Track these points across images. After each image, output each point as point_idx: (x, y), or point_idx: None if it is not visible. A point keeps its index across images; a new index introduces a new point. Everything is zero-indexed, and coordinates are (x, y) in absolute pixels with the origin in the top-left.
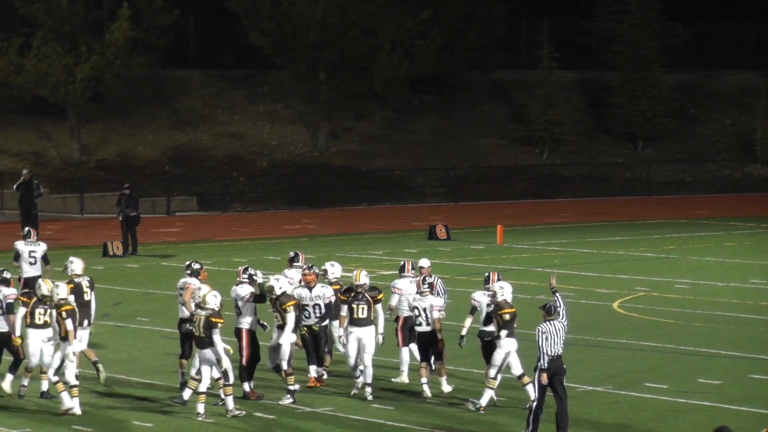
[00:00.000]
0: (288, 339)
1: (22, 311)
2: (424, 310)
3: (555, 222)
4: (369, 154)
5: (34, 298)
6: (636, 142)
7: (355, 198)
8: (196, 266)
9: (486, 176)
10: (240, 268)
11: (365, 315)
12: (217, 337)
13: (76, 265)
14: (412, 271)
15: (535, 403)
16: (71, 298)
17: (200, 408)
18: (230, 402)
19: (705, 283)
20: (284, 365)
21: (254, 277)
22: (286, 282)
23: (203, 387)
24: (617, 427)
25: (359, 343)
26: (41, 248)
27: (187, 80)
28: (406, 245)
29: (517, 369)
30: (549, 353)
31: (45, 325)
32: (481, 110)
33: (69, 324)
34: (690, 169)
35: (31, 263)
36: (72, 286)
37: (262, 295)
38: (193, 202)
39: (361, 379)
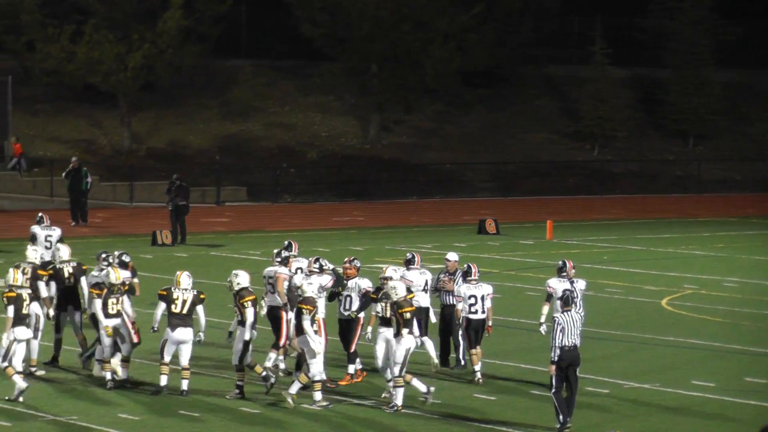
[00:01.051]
0: (246, 335)
1: (98, 303)
2: (482, 298)
3: (605, 218)
4: (419, 147)
5: (105, 289)
6: (687, 139)
7: (405, 191)
8: (286, 254)
9: (536, 171)
10: (311, 258)
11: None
12: (306, 324)
13: (63, 251)
14: (421, 263)
15: (553, 390)
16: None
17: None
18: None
19: (754, 281)
20: (235, 360)
21: (324, 267)
22: (245, 277)
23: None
24: (664, 424)
25: (387, 344)
26: (56, 233)
27: (238, 70)
28: (456, 239)
29: (396, 369)
30: (566, 344)
31: (118, 314)
32: (532, 105)
33: (10, 311)
34: (740, 167)
35: (46, 247)
36: (50, 272)
37: (339, 279)
38: (243, 193)
39: (392, 384)
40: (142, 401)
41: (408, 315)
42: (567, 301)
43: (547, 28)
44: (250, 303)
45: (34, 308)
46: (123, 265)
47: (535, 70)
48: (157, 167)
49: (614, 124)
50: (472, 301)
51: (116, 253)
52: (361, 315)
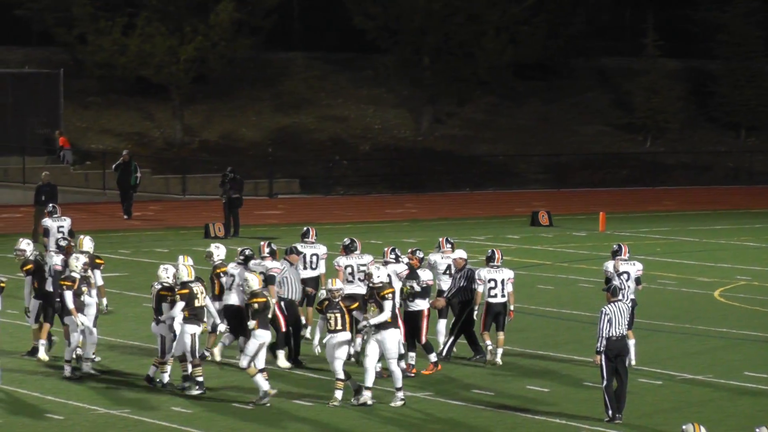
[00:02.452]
0: (184, 330)
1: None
2: (502, 282)
3: (657, 210)
4: (472, 139)
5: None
6: (739, 131)
7: (458, 183)
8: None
9: (589, 163)
10: (387, 249)
11: (338, 326)
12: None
13: (86, 243)
14: (448, 246)
15: (604, 383)
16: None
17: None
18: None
19: None
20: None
21: (399, 257)
22: (184, 271)
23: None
24: (717, 415)
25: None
26: (67, 223)
27: (291, 62)
28: (509, 231)
29: (260, 362)
30: (614, 335)
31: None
32: (584, 97)
33: None
34: None
35: (59, 238)
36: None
37: (414, 271)
38: (296, 185)
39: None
40: (195, 395)
41: (256, 306)
42: (615, 292)
43: (599, 20)
44: (178, 297)
45: (90, 297)
46: (272, 254)
47: (588, 62)
48: (210, 160)
49: (666, 116)
50: (492, 285)
51: (262, 243)
52: (426, 306)
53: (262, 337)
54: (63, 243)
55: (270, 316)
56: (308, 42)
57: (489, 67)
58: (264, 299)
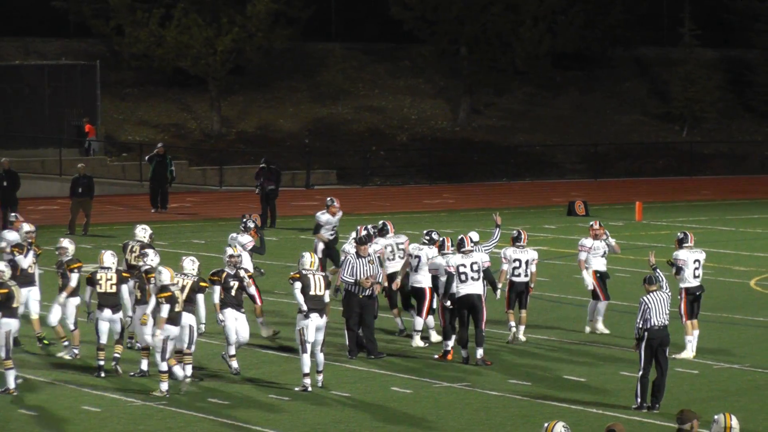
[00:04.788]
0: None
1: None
2: (526, 262)
3: (694, 199)
4: (510, 130)
5: (225, 273)
6: None
7: (495, 173)
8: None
9: (626, 153)
10: (465, 236)
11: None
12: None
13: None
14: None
15: (640, 372)
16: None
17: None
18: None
19: None
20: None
21: (479, 246)
22: (113, 260)
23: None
24: (754, 404)
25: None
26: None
27: (328, 53)
28: (546, 221)
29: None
30: (655, 324)
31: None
32: (622, 87)
33: None
34: None
35: (331, 234)
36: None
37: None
38: (333, 176)
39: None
40: (233, 385)
41: (1, 298)
42: (651, 281)
43: (636, 10)
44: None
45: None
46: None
47: (625, 51)
48: (247, 151)
49: (704, 105)
50: (516, 264)
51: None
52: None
53: (8, 325)
54: (251, 224)
55: None
56: (346, 33)
57: (526, 57)
58: (6, 290)
